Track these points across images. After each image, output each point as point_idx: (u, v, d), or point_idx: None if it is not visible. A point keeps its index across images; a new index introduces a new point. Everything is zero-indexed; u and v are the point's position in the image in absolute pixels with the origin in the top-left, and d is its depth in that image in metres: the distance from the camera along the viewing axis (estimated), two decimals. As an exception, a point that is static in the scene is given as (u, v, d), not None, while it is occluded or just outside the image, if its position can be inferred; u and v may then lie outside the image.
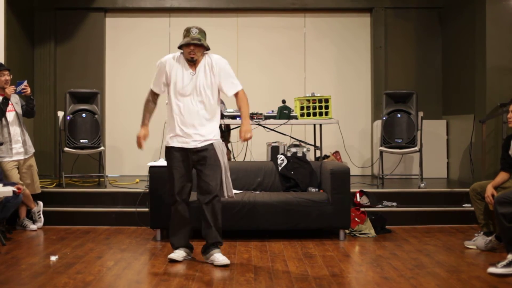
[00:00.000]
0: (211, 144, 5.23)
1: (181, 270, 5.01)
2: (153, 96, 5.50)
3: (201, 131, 5.20)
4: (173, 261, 5.26)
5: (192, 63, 5.22)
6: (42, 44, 9.61)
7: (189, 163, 5.26)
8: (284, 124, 7.70)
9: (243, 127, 5.21)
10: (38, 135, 9.39)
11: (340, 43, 10.00)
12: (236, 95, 5.31)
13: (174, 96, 5.26)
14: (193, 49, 5.15)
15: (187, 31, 5.19)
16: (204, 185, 5.25)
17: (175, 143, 5.26)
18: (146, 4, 9.79)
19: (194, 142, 5.20)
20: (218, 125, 5.37)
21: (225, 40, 9.67)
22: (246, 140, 5.21)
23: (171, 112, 5.31)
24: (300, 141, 8.05)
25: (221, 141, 5.34)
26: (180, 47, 5.26)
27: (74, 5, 9.72)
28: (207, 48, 5.26)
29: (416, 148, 8.01)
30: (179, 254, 5.31)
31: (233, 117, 7.61)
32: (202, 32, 5.22)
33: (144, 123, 5.52)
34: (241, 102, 5.29)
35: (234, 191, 6.12)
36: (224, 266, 5.12)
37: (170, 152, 5.31)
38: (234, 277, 4.77)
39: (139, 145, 5.42)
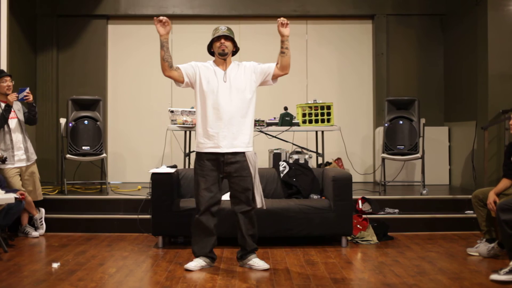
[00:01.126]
0: (244, 155, 5.23)
1: (183, 277, 5.00)
2: (170, 67, 5.22)
3: (235, 134, 5.18)
4: (188, 270, 5.21)
5: (223, 57, 5.25)
6: (44, 51, 9.63)
7: (220, 173, 5.25)
8: (286, 131, 7.70)
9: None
10: (40, 142, 9.40)
11: (342, 50, 10.01)
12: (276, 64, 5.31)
13: (205, 98, 5.21)
14: (224, 42, 5.22)
15: (216, 29, 5.30)
16: (239, 196, 5.29)
17: (206, 148, 5.22)
18: (148, 11, 9.81)
19: (227, 146, 5.17)
20: (251, 132, 5.31)
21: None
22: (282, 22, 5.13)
23: (201, 115, 5.25)
24: (302, 148, 8.05)
25: (253, 151, 5.32)
26: (210, 45, 5.33)
27: (76, 12, 9.75)
28: (237, 47, 5.35)
29: (418, 155, 8.01)
30: (197, 263, 5.27)
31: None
32: (230, 30, 5.32)
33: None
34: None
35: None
36: (265, 270, 5.22)
37: (201, 159, 5.26)
38: (236, 284, 4.76)
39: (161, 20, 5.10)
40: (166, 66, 5.18)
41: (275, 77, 5.36)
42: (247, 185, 5.26)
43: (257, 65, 5.34)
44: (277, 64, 5.30)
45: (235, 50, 5.40)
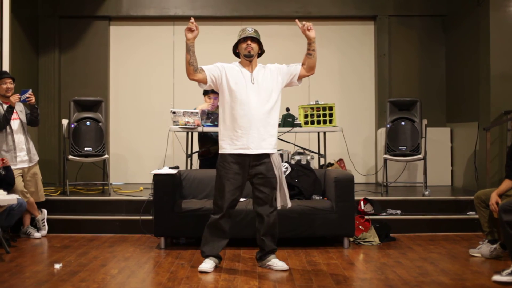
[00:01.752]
0: (268, 157, 5.23)
1: (185, 278, 5.00)
2: (195, 70, 5.19)
3: (262, 136, 5.17)
4: (204, 272, 5.18)
5: (249, 59, 5.24)
6: (46, 52, 9.65)
7: (245, 176, 5.24)
8: (288, 132, 7.69)
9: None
10: (43, 143, 9.40)
11: (344, 51, 10.02)
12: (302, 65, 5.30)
13: (234, 99, 5.18)
14: (250, 44, 5.21)
15: (243, 30, 5.29)
16: (262, 197, 5.29)
17: (234, 149, 5.19)
18: (150, 12, 9.82)
19: (255, 148, 5.15)
20: (276, 133, 5.31)
21: (229, 48, 9.65)
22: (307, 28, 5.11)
23: (228, 116, 5.22)
24: (304, 149, 8.04)
25: (277, 153, 5.32)
26: (236, 45, 5.32)
27: (78, 13, 9.76)
28: (262, 49, 5.32)
29: (420, 156, 8.01)
30: (210, 264, 5.25)
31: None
32: (257, 32, 5.30)
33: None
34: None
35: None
36: (284, 271, 5.23)
37: (226, 161, 5.22)
38: (239, 285, 4.76)
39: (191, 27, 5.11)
40: (191, 70, 5.16)
41: (300, 78, 5.36)
42: (272, 186, 5.28)
43: (282, 66, 5.33)
44: (303, 64, 5.30)
45: (261, 53, 5.37)
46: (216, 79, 5.24)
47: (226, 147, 5.22)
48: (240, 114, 5.16)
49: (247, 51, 5.22)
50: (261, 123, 5.16)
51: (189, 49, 5.12)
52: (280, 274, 5.14)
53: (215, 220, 5.28)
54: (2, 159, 6.39)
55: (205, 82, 5.25)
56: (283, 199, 5.37)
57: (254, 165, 5.21)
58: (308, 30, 5.14)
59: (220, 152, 5.29)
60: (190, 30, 5.11)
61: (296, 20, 5.19)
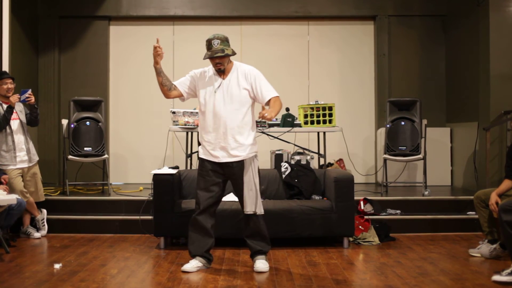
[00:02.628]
0: (241, 161, 5.18)
1: (185, 278, 5.00)
2: (169, 90, 5.27)
3: (232, 144, 5.13)
4: (186, 272, 5.19)
5: (221, 72, 5.20)
6: (46, 52, 9.64)
7: (220, 174, 5.24)
8: (287, 132, 7.69)
9: (268, 110, 4.95)
10: (42, 143, 9.40)
11: (344, 51, 10.01)
12: (269, 101, 5.15)
13: (203, 108, 5.20)
14: (219, 61, 5.12)
15: (209, 43, 5.12)
16: (239, 199, 5.31)
17: (206, 155, 5.24)
18: (150, 12, 9.82)
19: (223, 156, 5.16)
20: (251, 139, 5.22)
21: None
22: (263, 116, 4.88)
23: (201, 124, 5.28)
24: (304, 149, 8.04)
25: (253, 157, 5.23)
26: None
27: (78, 13, 9.76)
28: (234, 54, 5.18)
29: (420, 156, 8.01)
30: (193, 264, 5.25)
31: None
32: (224, 41, 5.12)
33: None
34: (272, 103, 5.09)
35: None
36: (261, 272, 5.19)
37: (202, 161, 5.29)
38: (238, 285, 4.76)
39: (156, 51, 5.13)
40: (166, 90, 5.24)
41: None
42: (242, 190, 5.24)
43: (257, 78, 5.18)
44: (267, 103, 5.15)
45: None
46: (192, 90, 5.29)
47: (201, 151, 5.30)
48: (209, 125, 5.17)
49: (217, 68, 5.17)
50: (230, 132, 5.13)
51: (160, 72, 5.19)
52: (280, 274, 5.14)
53: (194, 217, 5.31)
54: (5, 179, 6.44)
55: (183, 96, 5.31)
56: (251, 204, 5.21)
57: (227, 167, 5.21)
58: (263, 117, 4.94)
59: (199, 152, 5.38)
60: (159, 54, 5.14)
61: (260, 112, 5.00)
